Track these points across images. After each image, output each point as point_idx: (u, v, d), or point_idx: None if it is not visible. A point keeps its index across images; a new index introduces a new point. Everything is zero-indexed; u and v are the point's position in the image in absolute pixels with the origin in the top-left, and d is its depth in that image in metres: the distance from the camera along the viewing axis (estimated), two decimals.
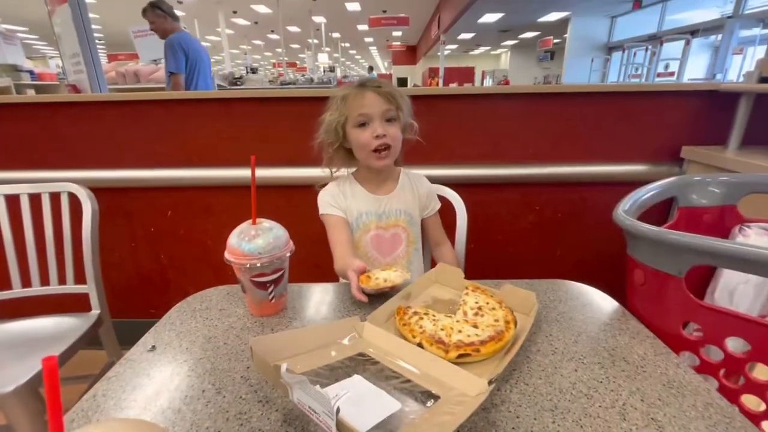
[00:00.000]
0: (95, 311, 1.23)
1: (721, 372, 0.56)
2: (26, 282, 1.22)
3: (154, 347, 0.58)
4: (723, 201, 0.86)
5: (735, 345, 0.55)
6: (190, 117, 1.47)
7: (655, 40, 7.35)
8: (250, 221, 0.64)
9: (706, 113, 1.44)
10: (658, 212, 1.48)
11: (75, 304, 1.23)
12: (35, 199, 1.20)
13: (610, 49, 9.48)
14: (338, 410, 0.33)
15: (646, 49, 7.49)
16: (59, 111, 1.48)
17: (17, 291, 1.22)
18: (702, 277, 0.84)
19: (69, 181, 1.22)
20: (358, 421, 0.38)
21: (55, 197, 1.21)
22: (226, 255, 0.62)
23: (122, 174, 1.51)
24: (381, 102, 0.87)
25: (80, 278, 1.22)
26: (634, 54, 8.14)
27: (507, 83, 10.72)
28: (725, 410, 0.46)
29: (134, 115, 1.47)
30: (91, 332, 1.18)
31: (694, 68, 6.97)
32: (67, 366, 1.08)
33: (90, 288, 1.22)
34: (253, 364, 0.52)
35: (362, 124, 0.88)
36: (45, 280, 1.23)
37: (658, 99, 1.44)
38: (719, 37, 6.20)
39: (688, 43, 6.50)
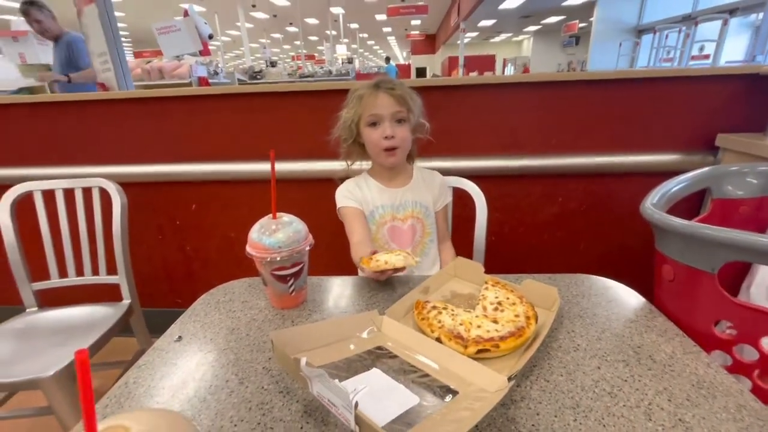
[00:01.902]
0: (126, 301, 1.29)
1: (755, 372, 0.53)
2: (63, 272, 1.29)
3: (180, 338, 0.60)
4: (762, 192, 0.81)
5: None
6: (212, 112, 1.50)
7: (690, 21, 6.95)
8: (271, 215, 0.65)
9: (745, 98, 1.35)
10: (690, 204, 1.42)
11: (107, 294, 1.29)
12: (69, 194, 1.26)
13: (640, 32, 9.03)
14: (356, 404, 0.33)
15: (680, 31, 7.10)
16: (89, 109, 1.53)
17: (55, 281, 1.28)
18: (736, 272, 0.80)
19: (99, 177, 1.28)
20: (376, 414, 0.38)
21: (87, 192, 1.27)
22: (248, 249, 0.64)
23: (148, 169, 1.56)
24: (392, 103, 0.91)
25: (112, 269, 1.27)
26: (666, 36, 7.72)
27: (527, 71, 10.39)
28: (759, 413, 0.44)
29: (159, 111, 1.51)
30: (123, 321, 1.24)
31: (731, 50, 6.56)
32: (101, 353, 1.14)
33: (121, 279, 1.28)
34: (274, 357, 0.53)
35: (373, 124, 0.93)
36: (80, 271, 1.29)
37: (691, 84, 1.36)
38: (760, 15, 5.80)
39: (725, 22, 6.11)
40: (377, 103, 0.91)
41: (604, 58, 9.12)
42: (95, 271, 1.29)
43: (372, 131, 0.93)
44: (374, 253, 0.74)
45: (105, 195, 1.25)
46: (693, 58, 6.76)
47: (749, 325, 0.51)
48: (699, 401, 0.46)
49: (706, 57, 6.59)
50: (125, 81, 1.82)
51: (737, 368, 0.55)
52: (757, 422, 0.42)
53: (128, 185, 1.36)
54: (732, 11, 6.26)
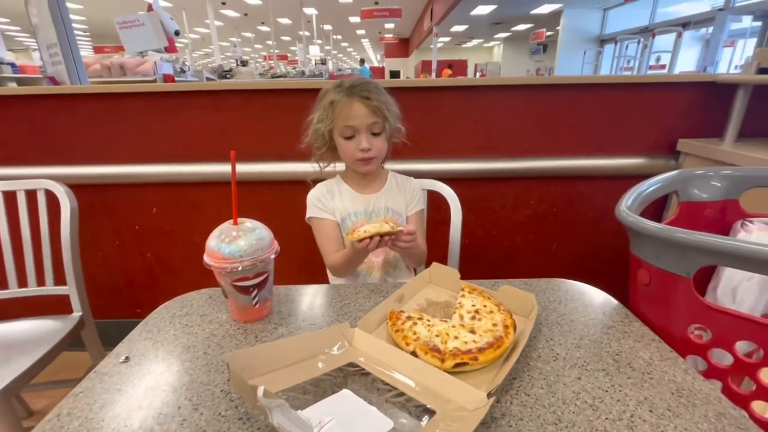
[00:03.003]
0: (77, 313, 1.18)
1: (729, 378, 0.53)
2: (3, 284, 1.16)
3: (127, 358, 0.54)
4: (725, 195, 0.83)
5: (744, 348, 0.53)
6: (176, 110, 1.41)
7: (647, 32, 7.34)
8: (231, 221, 0.59)
9: (703, 105, 1.41)
10: (654, 207, 1.47)
11: (56, 306, 1.18)
12: (10, 197, 1.14)
13: (603, 41, 9.47)
14: None
15: (638, 42, 7.49)
16: (36, 104, 1.41)
17: None
18: (701, 274, 0.82)
19: (49, 178, 1.17)
20: None
21: (31, 195, 1.15)
22: (206, 258, 0.58)
23: (104, 170, 1.45)
24: (368, 114, 0.86)
25: (61, 279, 1.16)
26: (626, 47, 8.13)
27: (483, 77, 10.63)
28: (739, 421, 0.43)
29: (116, 108, 1.41)
30: (73, 334, 1.13)
31: (685, 61, 6.99)
32: (49, 370, 1.03)
33: (71, 289, 1.17)
34: (230, 383, 0.48)
35: (348, 136, 0.88)
36: (23, 282, 1.17)
37: (654, 91, 1.41)
38: (710, 29, 6.20)
39: (679, 35, 6.50)
40: (352, 113, 0.85)
41: (569, 66, 9.50)
42: (41, 282, 1.18)
43: (347, 144, 0.88)
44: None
45: (52, 198, 1.15)
46: (651, 67, 7.14)
47: (725, 329, 0.51)
48: (680, 411, 0.44)
49: (663, 67, 6.98)
50: (78, 75, 1.70)
51: (712, 373, 0.54)
52: (738, 431, 0.42)
53: (81, 187, 1.25)
54: (685, 25, 6.67)
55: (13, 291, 1.17)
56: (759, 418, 0.51)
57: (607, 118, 1.43)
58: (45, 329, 1.12)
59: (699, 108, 1.42)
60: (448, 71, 10.55)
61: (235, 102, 1.40)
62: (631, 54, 7.80)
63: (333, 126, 0.88)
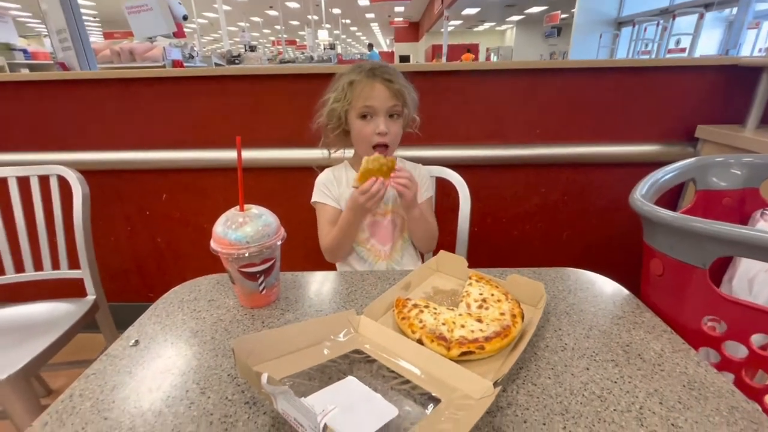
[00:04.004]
0: (91, 296, 1.21)
1: (743, 371, 0.52)
2: (19, 267, 1.19)
3: (137, 342, 0.55)
4: (744, 184, 0.80)
5: (759, 341, 0.51)
6: (184, 96, 1.41)
7: (667, 14, 7.06)
8: (238, 207, 0.59)
9: (724, 90, 1.36)
10: (668, 195, 1.43)
11: (71, 289, 1.21)
12: (24, 183, 1.16)
13: (620, 24, 9.13)
14: (325, 427, 0.29)
15: (657, 24, 7.21)
16: (46, 90, 1.41)
17: (10, 276, 1.19)
18: (717, 264, 0.80)
19: (59, 164, 1.18)
20: (350, 430, 0.34)
21: (44, 180, 1.17)
22: (212, 244, 0.58)
23: (115, 156, 1.46)
24: (389, 97, 0.83)
25: (74, 263, 1.19)
26: (645, 29, 7.83)
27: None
28: (752, 415, 0.42)
29: (125, 93, 1.41)
30: (88, 317, 1.16)
31: (706, 44, 6.71)
32: (65, 350, 1.06)
33: (84, 273, 1.20)
34: (236, 368, 0.48)
35: (365, 116, 0.85)
36: (39, 266, 1.20)
37: (673, 75, 1.36)
38: (734, 10, 5.93)
39: (701, 17, 6.23)
40: (373, 94, 0.83)
41: (584, 50, 9.21)
42: (56, 266, 1.20)
43: (363, 124, 0.86)
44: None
45: (65, 184, 1.16)
46: (669, 51, 6.89)
47: (741, 322, 0.50)
48: (691, 403, 0.44)
49: (682, 50, 6.73)
50: (87, 60, 1.70)
51: (725, 365, 0.53)
52: (751, 425, 0.41)
53: (92, 173, 1.26)
54: (708, 5, 6.38)
55: (29, 274, 1.20)
56: None
57: (622, 104, 1.39)
58: (60, 312, 1.15)
59: (720, 93, 1.37)
60: (470, 55, 10.28)
61: (243, 87, 1.39)
62: (650, 37, 7.52)
63: (350, 106, 0.86)
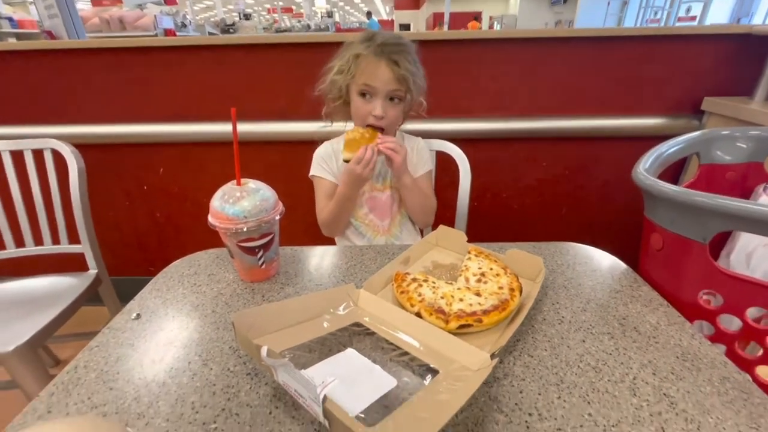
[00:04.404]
0: (92, 270, 1.22)
1: (736, 343, 0.53)
2: (19, 242, 1.20)
3: (138, 315, 0.55)
4: (749, 158, 0.79)
5: (753, 314, 0.52)
6: (178, 67, 1.37)
7: None
8: (235, 181, 0.58)
9: (734, 61, 1.32)
10: (670, 170, 1.42)
11: (72, 264, 1.22)
12: (18, 157, 1.15)
13: None
14: (325, 398, 0.30)
15: None
16: (34, 60, 1.37)
17: (11, 251, 1.20)
18: (716, 239, 0.80)
19: (53, 137, 1.16)
20: (349, 401, 0.35)
21: (38, 154, 1.15)
22: (210, 219, 0.58)
23: (109, 129, 1.44)
24: (391, 80, 0.80)
25: (74, 238, 1.19)
26: None
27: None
28: (743, 385, 0.43)
29: (115, 64, 1.37)
30: (91, 291, 1.18)
31: (717, 12, 6.47)
32: (71, 323, 1.08)
33: (84, 247, 1.20)
34: (236, 341, 0.49)
35: (365, 94, 0.83)
36: (39, 241, 1.20)
37: (681, 44, 1.31)
38: None
39: None
40: (376, 73, 0.80)
41: (591, 18, 8.88)
42: (56, 241, 1.21)
43: (362, 102, 0.84)
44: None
45: (59, 158, 1.15)
46: (680, 19, 6.65)
47: (737, 295, 0.50)
48: (683, 374, 0.45)
49: (693, 19, 6.50)
50: (75, 29, 1.64)
51: (719, 338, 0.54)
52: (741, 395, 0.42)
53: (87, 147, 1.24)
54: None
55: (30, 249, 1.20)
56: (763, 382, 0.51)
57: (629, 75, 1.35)
58: (63, 286, 1.16)
59: (730, 63, 1.32)
60: (477, 24, 9.92)
61: (238, 57, 1.34)
62: (659, 5, 7.24)
63: (352, 81, 0.84)
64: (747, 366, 0.51)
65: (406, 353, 0.45)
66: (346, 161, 0.83)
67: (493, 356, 0.43)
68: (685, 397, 0.42)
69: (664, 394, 0.42)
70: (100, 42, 1.34)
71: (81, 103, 1.42)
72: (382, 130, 0.85)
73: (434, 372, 0.43)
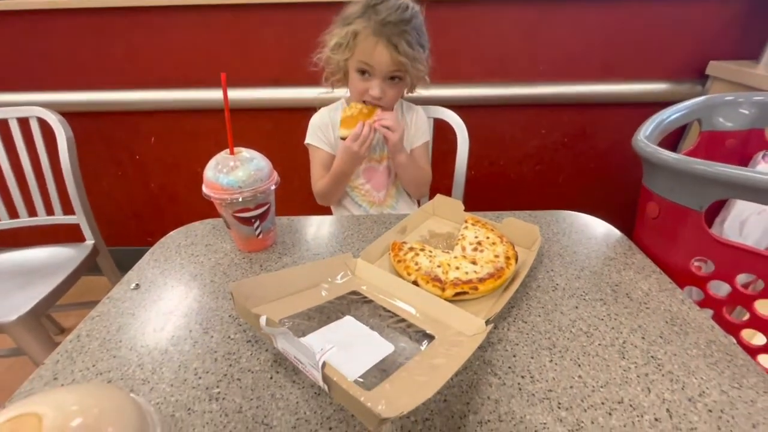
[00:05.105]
0: (89, 241, 1.22)
1: (724, 308, 0.54)
2: (13, 214, 1.19)
3: (138, 285, 0.56)
4: (751, 124, 0.78)
5: (742, 280, 0.53)
6: (163, 30, 1.30)
7: None
8: (227, 150, 0.57)
9: (741, 21, 1.27)
10: (670, 137, 1.40)
11: (69, 235, 1.21)
12: (3, 126, 1.11)
13: None
14: (324, 365, 0.31)
15: None
16: (11, 21, 1.30)
17: (5, 222, 1.19)
18: (712, 206, 0.80)
19: (39, 105, 1.12)
20: (348, 366, 0.36)
21: (24, 123, 1.12)
22: (204, 189, 0.57)
23: (95, 96, 1.39)
24: (388, 62, 0.76)
25: (69, 209, 1.18)
26: None
27: None
28: (728, 348, 0.44)
29: (97, 26, 1.30)
30: (89, 261, 1.18)
31: None
32: (73, 292, 1.10)
33: (80, 218, 1.19)
34: (235, 311, 0.50)
35: (363, 71, 0.80)
36: (33, 212, 1.19)
37: (686, 5, 1.26)
38: None
39: None
40: (373, 54, 0.76)
41: None
42: (49, 211, 1.20)
43: (359, 80, 0.81)
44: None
45: (46, 127, 1.11)
46: None
47: (729, 262, 0.51)
48: (671, 338, 0.46)
49: None
50: None
51: (707, 303, 0.56)
52: (725, 357, 0.43)
53: (74, 115, 1.21)
54: None
55: (25, 220, 1.20)
56: (747, 345, 0.53)
57: (631, 38, 1.30)
58: (62, 256, 1.16)
59: (736, 26, 1.28)
60: None
61: (228, 18, 1.28)
62: None
63: (351, 56, 0.80)
64: (733, 329, 0.53)
65: (402, 320, 0.46)
66: (343, 138, 0.81)
67: (487, 322, 0.44)
68: (672, 360, 0.43)
69: (652, 357, 0.43)
70: (82, 1, 1.27)
71: (65, 68, 1.36)
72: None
73: (430, 338, 0.44)
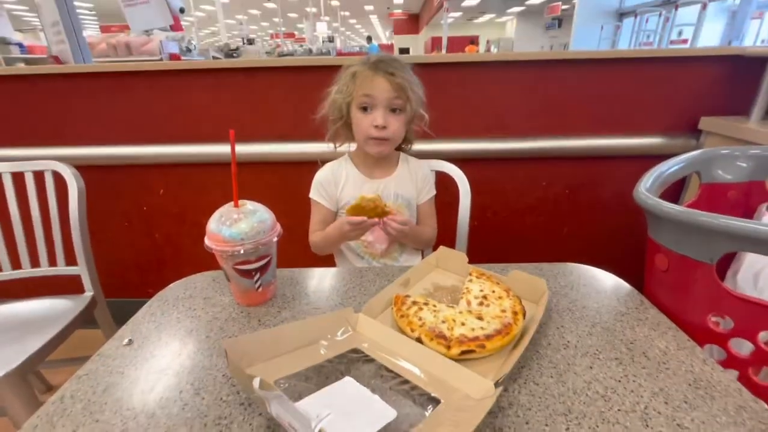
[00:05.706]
0: (88, 293, 1.20)
1: (750, 369, 0.51)
2: (15, 264, 1.18)
3: (130, 341, 0.54)
4: (750, 177, 0.79)
5: (766, 337, 0.50)
6: (180, 90, 1.39)
7: (670, 4, 6.99)
8: (232, 203, 0.58)
9: (728, 81, 1.34)
10: (671, 189, 1.41)
11: (68, 286, 1.20)
12: (19, 178, 1.15)
13: (621, 15, 9.04)
14: None
15: (660, 15, 7.14)
16: (40, 84, 1.40)
17: (6, 273, 1.18)
18: (722, 259, 0.79)
19: (56, 159, 1.17)
20: None
21: (39, 176, 1.15)
22: (206, 241, 0.57)
23: (110, 151, 1.45)
24: (389, 89, 0.81)
25: (71, 259, 1.18)
26: (647, 20, 7.75)
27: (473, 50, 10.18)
28: (761, 414, 0.41)
29: (119, 87, 1.39)
30: (86, 313, 1.15)
31: (708, 36, 6.65)
32: (65, 347, 1.06)
33: (81, 269, 1.19)
34: (229, 370, 0.47)
35: (365, 108, 0.84)
36: (35, 262, 1.19)
37: (676, 66, 1.34)
38: (737, 0, 5.86)
39: (704, 7, 6.17)
40: (372, 85, 0.81)
41: (585, 42, 9.12)
42: (53, 262, 1.19)
43: (362, 116, 0.84)
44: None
45: (60, 179, 1.15)
46: (672, 42, 6.84)
47: (748, 318, 0.48)
48: (697, 403, 0.43)
49: (684, 41, 6.68)
50: (82, 54, 1.67)
51: (731, 363, 0.52)
52: (759, 425, 0.40)
53: (87, 168, 1.25)
54: None
55: (26, 271, 1.19)
56: None
57: (624, 96, 1.37)
58: (58, 309, 1.14)
59: (724, 84, 1.34)
60: (474, 47, 10.22)
61: (240, 80, 1.37)
62: (652, 28, 7.45)
63: (352, 98, 0.85)
64: (762, 393, 0.49)
65: (406, 381, 0.44)
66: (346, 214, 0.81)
67: (497, 384, 0.41)
68: (701, 428, 0.39)
69: (678, 425, 0.40)
70: (105, 66, 1.37)
71: (86, 125, 1.44)
72: (385, 140, 0.85)
73: (436, 402, 0.41)
